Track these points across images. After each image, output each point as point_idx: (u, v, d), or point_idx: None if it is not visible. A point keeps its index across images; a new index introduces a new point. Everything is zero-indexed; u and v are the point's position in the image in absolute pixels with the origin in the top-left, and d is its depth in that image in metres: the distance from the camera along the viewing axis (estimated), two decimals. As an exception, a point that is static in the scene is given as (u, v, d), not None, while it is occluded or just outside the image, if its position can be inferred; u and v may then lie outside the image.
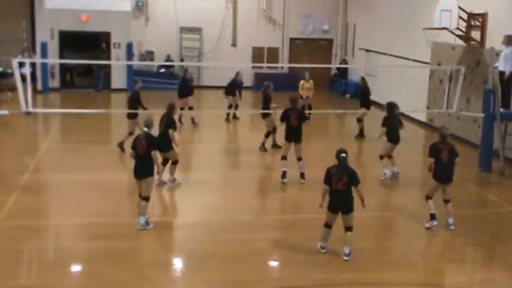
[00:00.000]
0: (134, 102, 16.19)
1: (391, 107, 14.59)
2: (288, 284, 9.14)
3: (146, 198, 10.75)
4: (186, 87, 19.92)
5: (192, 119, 20.07)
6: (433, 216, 11.25)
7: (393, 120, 14.39)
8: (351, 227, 9.77)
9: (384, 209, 12.54)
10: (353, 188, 9.73)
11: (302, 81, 21.18)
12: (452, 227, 11.20)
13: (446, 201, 11.29)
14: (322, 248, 10.02)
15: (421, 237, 11.06)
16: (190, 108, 19.84)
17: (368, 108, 19.06)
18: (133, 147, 10.94)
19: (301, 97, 20.21)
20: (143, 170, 10.75)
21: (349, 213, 9.74)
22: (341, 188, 9.67)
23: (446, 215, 11.30)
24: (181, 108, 19.17)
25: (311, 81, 20.97)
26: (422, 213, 12.42)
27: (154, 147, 10.90)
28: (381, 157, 14.43)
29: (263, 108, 16.93)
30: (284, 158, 13.87)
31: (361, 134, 18.95)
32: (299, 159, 13.85)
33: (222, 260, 9.82)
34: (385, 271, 9.62)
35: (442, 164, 11.09)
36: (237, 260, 9.83)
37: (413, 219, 11.89)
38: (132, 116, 16.15)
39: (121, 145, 16.01)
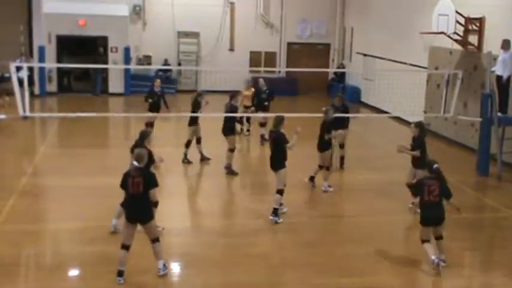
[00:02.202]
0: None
1: (423, 127, 12.47)
2: (287, 288, 9.15)
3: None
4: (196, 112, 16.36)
5: (202, 154, 16.14)
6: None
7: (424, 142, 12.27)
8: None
9: (380, 213, 12.53)
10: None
11: (243, 91, 19.14)
12: (443, 264, 9.83)
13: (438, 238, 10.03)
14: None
15: (417, 242, 11.03)
16: (199, 140, 16.02)
17: (346, 128, 15.69)
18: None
19: (246, 106, 18.57)
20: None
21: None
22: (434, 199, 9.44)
23: (438, 251, 9.98)
24: (188, 142, 15.97)
25: (252, 89, 19.20)
26: (418, 217, 12.44)
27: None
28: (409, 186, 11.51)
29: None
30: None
31: (342, 164, 15.61)
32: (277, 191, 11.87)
33: (220, 264, 9.83)
34: (382, 275, 9.62)
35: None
36: (235, 264, 9.83)
37: (409, 223, 11.89)
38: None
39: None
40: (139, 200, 9.00)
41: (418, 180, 10.21)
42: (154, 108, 17.33)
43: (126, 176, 9.12)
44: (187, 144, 15.85)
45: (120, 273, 9.02)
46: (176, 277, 9.62)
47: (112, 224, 10.85)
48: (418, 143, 12.07)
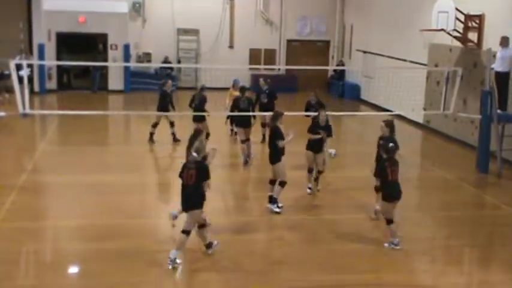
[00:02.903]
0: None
1: (393, 126, 12.11)
2: (287, 285, 9.14)
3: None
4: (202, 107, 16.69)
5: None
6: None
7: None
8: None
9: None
10: None
11: (231, 90, 18.34)
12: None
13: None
14: None
15: (417, 239, 11.06)
16: (207, 135, 15.87)
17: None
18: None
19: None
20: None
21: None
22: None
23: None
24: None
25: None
26: (418, 215, 12.47)
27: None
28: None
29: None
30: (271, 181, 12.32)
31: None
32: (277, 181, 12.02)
33: (218, 261, 9.82)
34: (382, 272, 9.62)
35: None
36: (233, 261, 9.83)
37: (409, 221, 11.90)
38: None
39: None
40: (189, 189, 9.53)
41: (381, 163, 10.62)
42: (164, 108, 17.26)
43: (184, 167, 9.67)
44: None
45: (208, 245, 9.93)
46: (177, 274, 9.62)
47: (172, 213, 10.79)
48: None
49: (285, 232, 11.23)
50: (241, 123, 15.84)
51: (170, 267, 9.37)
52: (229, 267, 9.64)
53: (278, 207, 12.00)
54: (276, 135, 11.88)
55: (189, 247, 9.87)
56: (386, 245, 10.47)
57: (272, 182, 12.22)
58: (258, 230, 11.27)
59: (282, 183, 11.97)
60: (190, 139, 10.01)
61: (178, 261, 9.44)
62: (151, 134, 17.40)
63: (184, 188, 9.62)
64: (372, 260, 10.04)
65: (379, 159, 11.08)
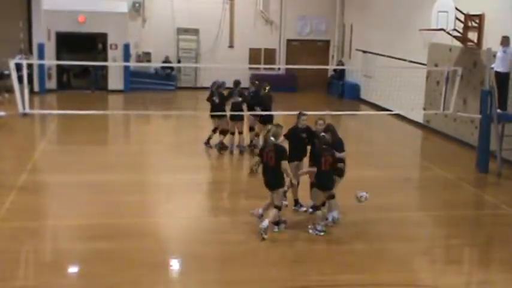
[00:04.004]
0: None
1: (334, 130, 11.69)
2: (284, 285, 9.13)
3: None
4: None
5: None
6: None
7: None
8: None
9: (380, 211, 12.52)
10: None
11: None
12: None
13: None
14: None
15: (417, 239, 11.07)
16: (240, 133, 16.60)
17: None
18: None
19: None
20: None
21: None
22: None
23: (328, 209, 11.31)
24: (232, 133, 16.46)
25: None
26: (418, 214, 12.49)
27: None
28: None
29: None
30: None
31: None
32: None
33: (218, 261, 9.83)
34: (382, 272, 9.62)
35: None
36: (233, 261, 9.84)
37: (409, 220, 11.91)
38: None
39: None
40: (270, 171, 10.67)
41: (317, 151, 11.07)
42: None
43: (262, 151, 10.93)
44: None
45: (276, 223, 10.89)
46: (174, 274, 9.63)
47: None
48: (340, 146, 11.43)
49: (284, 232, 11.21)
50: (232, 116, 16.07)
51: (265, 235, 10.41)
52: (226, 267, 9.63)
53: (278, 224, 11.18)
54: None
55: (184, 248, 9.84)
56: (310, 231, 10.88)
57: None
58: (256, 230, 11.24)
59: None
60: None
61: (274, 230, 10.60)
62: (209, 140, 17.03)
63: (266, 170, 10.73)
64: (372, 260, 10.03)
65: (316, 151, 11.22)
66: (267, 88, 16.28)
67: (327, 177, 10.93)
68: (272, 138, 10.77)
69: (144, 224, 11.36)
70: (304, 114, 11.98)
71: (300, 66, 23.70)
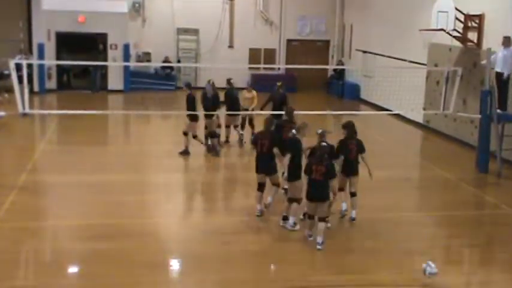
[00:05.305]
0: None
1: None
2: (284, 285, 9.14)
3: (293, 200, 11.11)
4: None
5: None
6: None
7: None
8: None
9: (380, 211, 12.53)
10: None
11: (244, 91, 18.35)
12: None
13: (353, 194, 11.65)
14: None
15: (417, 239, 11.07)
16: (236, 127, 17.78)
17: None
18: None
19: (245, 109, 17.64)
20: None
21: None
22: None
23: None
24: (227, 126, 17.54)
25: (254, 92, 18.03)
26: (418, 214, 12.48)
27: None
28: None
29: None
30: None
31: None
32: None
33: (217, 261, 9.83)
34: (382, 272, 9.61)
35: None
36: (232, 261, 9.84)
37: (409, 221, 11.91)
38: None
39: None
40: (264, 157, 11.45)
41: (311, 150, 11.15)
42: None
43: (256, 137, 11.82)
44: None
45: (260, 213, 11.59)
46: (174, 274, 9.63)
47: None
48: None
49: (284, 232, 11.21)
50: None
51: (296, 227, 10.90)
52: (225, 267, 9.63)
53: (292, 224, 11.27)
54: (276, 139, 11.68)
55: (183, 248, 9.84)
56: (281, 223, 11.12)
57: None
58: (256, 230, 11.26)
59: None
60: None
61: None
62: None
63: (259, 155, 11.45)
64: (372, 260, 10.03)
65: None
66: (278, 84, 17.03)
67: (316, 187, 10.36)
68: (294, 131, 11.24)
69: (144, 224, 11.36)
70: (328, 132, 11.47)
71: (300, 66, 23.68)
